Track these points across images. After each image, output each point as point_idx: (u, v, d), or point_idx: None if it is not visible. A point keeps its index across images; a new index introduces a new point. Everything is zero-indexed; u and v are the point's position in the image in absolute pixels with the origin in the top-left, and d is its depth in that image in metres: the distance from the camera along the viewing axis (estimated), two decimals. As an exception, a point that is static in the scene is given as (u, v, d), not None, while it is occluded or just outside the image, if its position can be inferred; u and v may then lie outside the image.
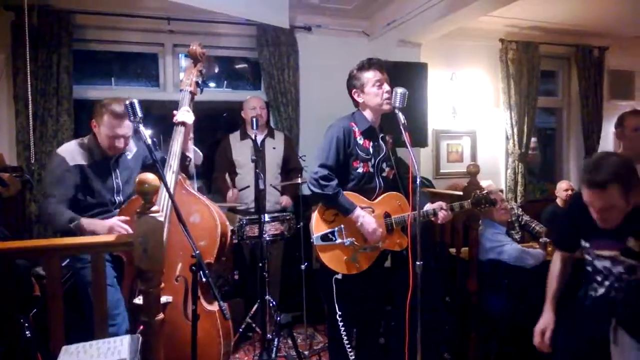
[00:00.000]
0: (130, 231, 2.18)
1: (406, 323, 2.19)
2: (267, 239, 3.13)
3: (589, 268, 2.04)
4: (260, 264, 2.85)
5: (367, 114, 2.56)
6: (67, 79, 3.78)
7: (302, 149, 4.34)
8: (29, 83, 3.46)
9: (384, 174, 2.60)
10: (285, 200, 3.74)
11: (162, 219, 1.71)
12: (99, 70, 4.41)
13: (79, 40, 3.97)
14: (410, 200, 2.51)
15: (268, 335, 2.87)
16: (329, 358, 2.74)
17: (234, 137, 3.80)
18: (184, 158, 2.40)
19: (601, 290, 1.99)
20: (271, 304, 3.21)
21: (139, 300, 1.77)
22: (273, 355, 2.91)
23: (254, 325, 3.45)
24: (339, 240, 2.47)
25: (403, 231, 2.58)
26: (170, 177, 2.27)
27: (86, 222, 2.30)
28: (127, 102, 1.93)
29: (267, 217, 3.17)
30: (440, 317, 3.18)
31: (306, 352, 3.33)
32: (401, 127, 2.20)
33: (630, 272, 1.89)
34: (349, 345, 2.51)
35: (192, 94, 2.52)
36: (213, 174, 3.84)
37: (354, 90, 2.56)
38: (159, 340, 1.74)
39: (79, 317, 2.30)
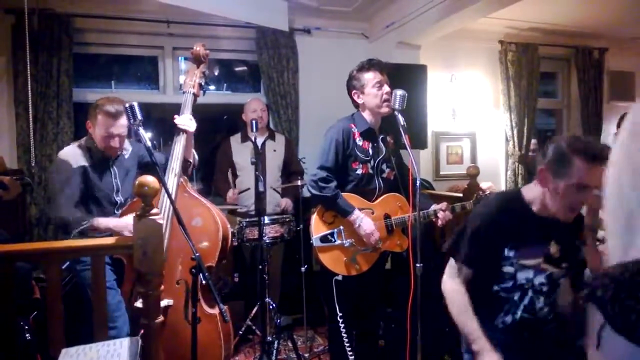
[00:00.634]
0: None
1: (407, 325, 2.18)
2: (267, 241, 3.13)
3: (504, 287, 1.71)
4: (260, 267, 2.85)
5: (367, 115, 2.56)
6: (67, 82, 3.79)
7: (301, 151, 4.34)
8: (29, 86, 3.47)
9: (384, 175, 2.60)
10: (285, 202, 3.74)
11: (162, 221, 1.72)
12: (99, 73, 4.42)
13: (79, 44, 3.98)
14: (410, 201, 2.52)
15: (268, 338, 2.86)
16: (330, 360, 2.74)
17: (235, 140, 3.81)
18: (185, 161, 2.41)
19: (519, 313, 1.70)
20: (271, 307, 3.21)
21: (139, 303, 1.77)
22: (273, 358, 2.91)
23: (254, 327, 3.45)
24: (338, 242, 2.47)
25: (404, 232, 2.58)
26: (173, 179, 2.28)
27: (101, 220, 2.31)
28: (127, 105, 1.94)
29: (267, 220, 3.17)
30: (440, 319, 3.17)
31: (306, 355, 3.32)
32: (401, 129, 2.21)
33: (550, 283, 1.70)
34: (349, 347, 2.51)
35: (195, 95, 2.52)
36: (214, 176, 3.84)
37: (353, 91, 2.56)
38: (159, 343, 1.74)
39: (79, 319, 2.30)
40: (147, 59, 4.45)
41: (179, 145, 2.38)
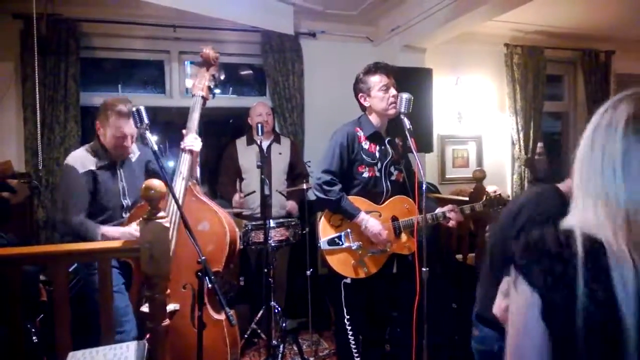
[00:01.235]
0: None
1: (413, 330, 2.17)
2: (273, 244, 3.13)
3: None
4: (266, 270, 2.85)
5: (373, 118, 2.56)
6: (75, 86, 3.82)
7: (307, 154, 4.35)
8: (37, 90, 3.50)
9: (393, 178, 2.60)
10: (291, 205, 3.74)
11: (168, 225, 1.72)
12: (106, 77, 4.45)
13: (86, 48, 4.02)
14: (417, 203, 2.51)
15: (273, 342, 2.86)
16: (336, 364, 2.73)
17: (241, 143, 3.81)
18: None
19: None
20: (276, 310, 3.20)
21: (146, 307, 1.77)
22: (279, 362, 2.90)
23: (259, 331, 3.44)
24: (346, 244, 2.47)
25: (412, 235, 2.58)
26: (180, 183, 2.28)
27: (107, 229, 2.33)
28: (134, 109, 1.95)
29: (272, 223, 3.17)
30: (447, 324, 3.16)
31: (311, 359, 3.31)
32: (407, 133, 2.21)
33: None
34: (356, 351, 2.50)
35: (204, 98, 2.51)
36: (219, 180, 3.85)
37: (360, 94, 2.57)
38: (165, 347, 1.74)
39: (86, 323, 2.31)
40: (154, 63, 4.48)
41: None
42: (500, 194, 2.54)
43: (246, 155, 3.72)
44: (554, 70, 5.50)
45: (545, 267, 0.82)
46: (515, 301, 0.87)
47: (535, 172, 5.20)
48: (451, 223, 2.49)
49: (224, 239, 2.28)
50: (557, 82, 5.81)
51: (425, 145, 3.78)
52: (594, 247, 0.81)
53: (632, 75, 5.71)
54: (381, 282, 2.58)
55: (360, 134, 2.54)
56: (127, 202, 2.54)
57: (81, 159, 2.43)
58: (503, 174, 5.34)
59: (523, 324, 0.84)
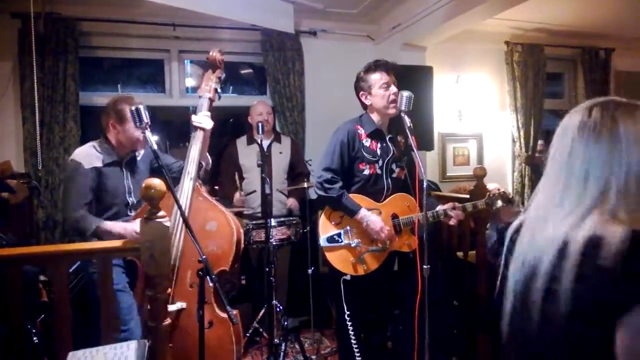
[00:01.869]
0: None
1: (415, 327, 2.17)
2: (274, 243, 3.13)
3: None
4: (267, 269, 2.85)
5: (375, 116, 2.56)
6: (74, 85, 3.81)
7: (308, 153, 4.34)
8: (36, 90, 3.49)
9: (394, 175, 2.59)
10: (292, 202, 3.73)
11: (168, 224, 1.72)
12: (105, 76, 4.43)
13: (85, 47, 4.00)
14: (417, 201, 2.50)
15: (275, 340, 2.85)
16: (338, 361, 2.73)
17: (241, 142, 3.81)
18: (199, 164, 2.42)
19: None
20: (278, 309, 3.20)
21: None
22: (280, 360, 2.90)
23: (261, 330, 3.44)
24: (345, 242, 2.47)
25: (412, 232, 2.57)
26: (188, 183, 2.28)
27: (109, 225, 2.32)
28: (133, 108, 1.94)
29: (273, 222, 3.16)
30: (448, 321, 3.15)
31: (313, 357, 3.31)
32: (407, 131, 2.20)
33: None
34: (357, 348, 2.50)
35: (211, 100, 2.53)
36: (219, 179, 3.84)
37: (361, 93, 2.56)
38: (167, 346, 1.73)
39: (89, 323, 2.30)
40: (153, 62, 4.47)
41: (195, 147, 2.38)
42: (503, 191, 2.53)
43: (247, 155, 3.71)
44: (554, 67, 5.49)
45: None
46: None
47: (536, 169, 5.20)
48: (452, 221, 2.49)
49: (231, 238, 2.28)
50: (557, 79, 5.80)
51: (425, 143, 3.76)
52: None
53: (631, 72, 5.71)
54: (382, 280, 2.58)
55: (361, 131, 2.54)
56: (132, 200, 2.53)
57: (88, 156, 2.43)
58: (504, 172, 5.33)
59: None
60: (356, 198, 2.49)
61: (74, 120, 3.81)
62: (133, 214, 2.51)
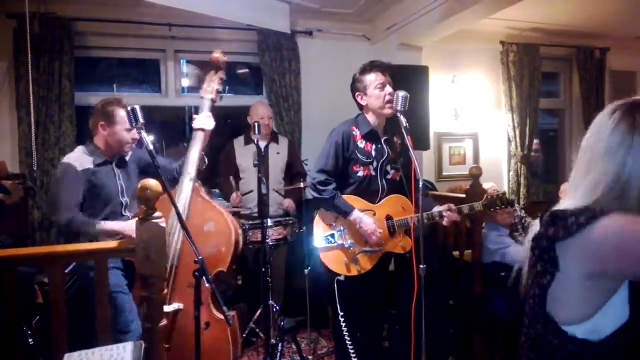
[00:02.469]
0: None
1: (411, 326, 2.17)
2: (270, 243, 3.13)
3: None
4: (263, 269, 2.85)
5: (370, 117, 2.56)
6: (69, 85, 3.79)
7: (304, 153, 4.34)
8: (31, 90, 3.48)
9: (389, 177, 2.60)
10: (288, 202, 3.73)
11: (164, 225, 1.71)
12: (101, 76, 4.42)
13: (81, 47, 3.99)
14: (413, 202, 2.51)
15: (272, 340, 2.85)
16: (335, 361, 2.73)
17: (238, 142, 3.80)
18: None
19: None
20: (274, 309, 3.20)
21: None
22: (277, 360, 2.90)
23: (257, 330, 3.44)
24: (339, 242, 2.48)
25: (407, 233, 2.58)
26: (188, 184, 2.29)
27: (108, 224, 2.32)
28: (129, 108, 1.94)
29: (270, 222, 3.15)
30: (444, 320, 3.16)
31: (310, 357, 3.31)
32: (403, 130, 2.20)
33: None
34: (352, 348, 2.50)
35: (213, 101, 2.56)
36: (217, 179, 3.84)
37: (357, 93, 2.57)
38: (162, 347, 1.73)
39: (82, 324, 2.29)
40: (149, 62, 4.46)
41: (196, 148, 2.40)
42: (503, 193, 2.53)
43: (244, 155, 3.71)
44: (549, 67, 5.52)
45: None
46: None
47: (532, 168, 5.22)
48: (445, 221, 2.48)
49: (229, 239, 2.29)
50: (553, 79, 5.83)
51: (421, 143, 3.77)
52: None
53: (626, 72, 5.73)
54: (376, 280, 2.58)
55: (356, 132, 2.54)
56: (125, 199, 2.54)
57: (78, 158, 2.43)
58: (499, 171, 5.35)
59: None
60: (350, 199, 2.49)
61: (70, 120, 3.80)
62: (127, 213, 2.52)
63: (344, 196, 2.50)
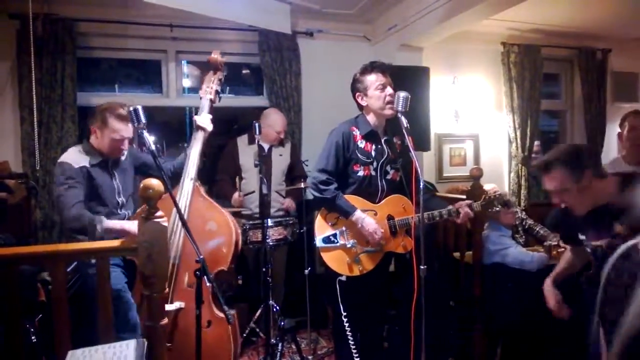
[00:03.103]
0: None
1: (411, 328, 2.18)
2: (271, 243, 3.14)
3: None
4: (264, 269, 2.86)
5: (371, 117, 2.57)
6: (72, 86, 3.81)
7: (304, 153, 4.35)
8: (34, 90, 3.50)
9: (389, 177, 2.60)
10: (288, 202, 3.73)
11: (166, 224, 1.73)
12: (103, 77, 4.44)
13: (83, 48, 4.01)
14: (414, 202, 2.51)
15: (272, 340, 2.86)
16: (335, 360, 2.74)
17: (242, 140, 3.79)
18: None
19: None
20: (275, 309, 3.21)
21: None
22: (277, 360, 2.91)
23: (257, 330, 3.45)
24: (341, 242, 2.48)
25: (408, 233, 2.58)
26: (188, 184, 2.30)
27: (113, 222, 2.34)
28: (131, 109, 1.96)
29: (270, 222, 3.16)
30: (444, 321, 3.17)
31: (310, 357, 3.32)
32: (404, 131, 2.21)
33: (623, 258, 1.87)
34: (354, 348, 2.51)
35: (212, 101, 2.58)
36: (217, 178, 3.84)
37: (357, 94, 2.57)
38: (164, 345, 1.74)
39: (86, 321, 2.31)
40: (151, 63, 4.47)
41: (196, 148, 2.41)
42: (500, 194, 2.54)
43: (247, 154, 3.70)
44: (550, 68, 5.51)
45: None
46: None
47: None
48: (459, 220, 2.48)
49: (230, 238, 2.31)
50: (554, 80, 5.82)
51: (422, 144, 3.78)
52: None
53: (628, 73, 5.73)
54: (377, 280, 2.59)
55: (356, 132, 2.55)
56: (121, 199, 2.56)
57: (74, 157, 2.45)
58: (500, 172, 5.35)
59: None
60: (352, 199, 2.50)
61: (72, 120, 3.81)
62: (124, 212, 2.53)
63: (345, 196, 2.51)
